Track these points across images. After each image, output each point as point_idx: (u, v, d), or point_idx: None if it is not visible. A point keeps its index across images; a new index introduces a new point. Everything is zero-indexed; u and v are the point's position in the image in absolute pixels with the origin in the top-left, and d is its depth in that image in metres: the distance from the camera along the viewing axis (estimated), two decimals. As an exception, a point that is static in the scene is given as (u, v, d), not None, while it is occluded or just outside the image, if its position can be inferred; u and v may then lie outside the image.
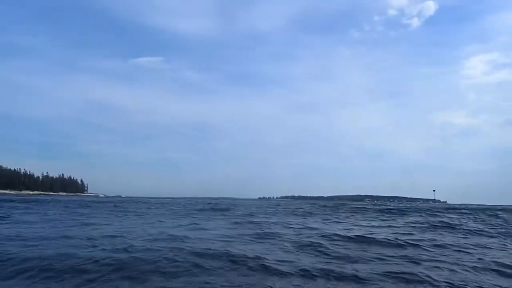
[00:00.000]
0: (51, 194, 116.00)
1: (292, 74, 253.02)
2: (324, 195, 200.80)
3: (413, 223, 16.73)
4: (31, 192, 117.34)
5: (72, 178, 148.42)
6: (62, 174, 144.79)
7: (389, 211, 27.81)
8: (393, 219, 19.45)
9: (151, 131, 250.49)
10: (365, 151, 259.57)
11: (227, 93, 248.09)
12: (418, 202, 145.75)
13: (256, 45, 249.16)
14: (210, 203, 40.61)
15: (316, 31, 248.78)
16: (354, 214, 24.46)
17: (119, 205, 33.27)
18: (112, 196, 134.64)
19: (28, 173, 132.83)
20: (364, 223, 16.65)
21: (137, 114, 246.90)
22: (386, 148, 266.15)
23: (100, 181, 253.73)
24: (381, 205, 51.74)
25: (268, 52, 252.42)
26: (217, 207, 30.36)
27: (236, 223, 14.94)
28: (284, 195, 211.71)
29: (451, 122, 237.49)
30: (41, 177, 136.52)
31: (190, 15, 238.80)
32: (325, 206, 39.06)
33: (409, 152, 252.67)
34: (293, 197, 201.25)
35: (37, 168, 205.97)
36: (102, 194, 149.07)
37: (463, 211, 29.72)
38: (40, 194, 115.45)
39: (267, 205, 41.41)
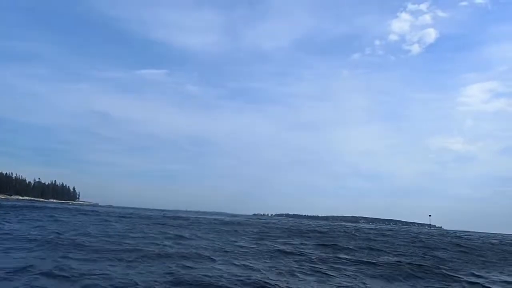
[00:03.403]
0: (41, 201, 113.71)
1: (292, 93, 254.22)
2: (319, 215, 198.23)
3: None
4: (21, 198, 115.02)
5: (65, 185, 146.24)
6: (55, 181, 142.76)
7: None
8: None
9: (150, 142, 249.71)
10: (362, 172, 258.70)
11: (228, 109, 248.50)
12: (414, 227, 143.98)
13: (259, 63, 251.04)
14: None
15: (318, 53, 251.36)
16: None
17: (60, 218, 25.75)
18: (102, 206, 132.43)
19: (20, 178, 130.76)
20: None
21: (138, 125, 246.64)
22: (383, 170, 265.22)
23: (95, 189, 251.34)
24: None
25: (270, 70, 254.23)
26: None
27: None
28: (279, 212, 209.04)
29: (448, 147, 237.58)
30: (33, 183, 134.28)
31: (196, 30, 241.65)
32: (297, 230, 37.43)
33: (406, 175, 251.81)
34: (287, 215, 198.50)
35: (32, 174, 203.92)
36: (93, 203, 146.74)
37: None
38: (31, 200, 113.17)
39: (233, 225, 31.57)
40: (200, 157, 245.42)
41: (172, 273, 7.96)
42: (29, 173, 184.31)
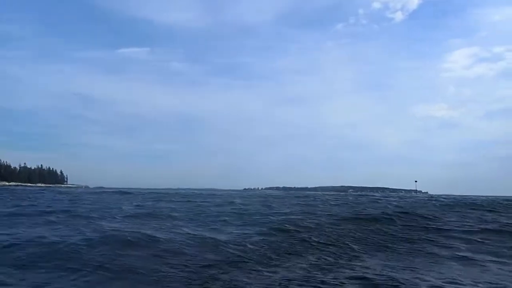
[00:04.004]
0: (28, 185, 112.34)
1: (278, 67, 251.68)
2: (309, 186, 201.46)
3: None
4: (7, 183, 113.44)
5: (52, 169, 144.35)
6: (41, 165, 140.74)
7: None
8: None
9: (137, 122, 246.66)
10: (349, 143, 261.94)
11: (214, 85, 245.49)
12: (401, 193, 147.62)
13: (244, 37, 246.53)
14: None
15: (303, 25, 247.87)
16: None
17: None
18: (92, 188, 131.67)
19: (5, 163, 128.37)
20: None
21: (123, 106, 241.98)
22: (369, 139, 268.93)
23: (83, 172, 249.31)
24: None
25: (255, 45, 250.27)
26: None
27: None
28: (269, 186, 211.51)
29: (432, 114, 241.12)
30: (18, 168, 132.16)
31: (178, 6, 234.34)
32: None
33: (392, 143, 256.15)
34: (277, 188, 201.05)
35: (17, 159, 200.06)
36: (84, 186, 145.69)
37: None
38: (18, 185, 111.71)
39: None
40: (189, 135, 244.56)
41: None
42: (14, 158, 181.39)
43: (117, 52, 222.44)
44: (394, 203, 24.19)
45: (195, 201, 23.30)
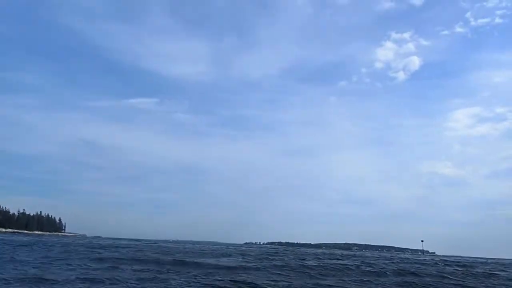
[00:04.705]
0: (25, 233, 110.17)
1: (282, 120, 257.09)
2: (312, 242, 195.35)
3: None
4: (3, 230, 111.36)
5: (50, 216, 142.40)
6: (40, 212, 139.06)
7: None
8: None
9: (140, 171, 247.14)
10: (354, 198, 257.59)
11: (219, 136, 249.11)
12: (407, 253, 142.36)
13: (249, 91, 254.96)
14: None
15: (307, 81, 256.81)
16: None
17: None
18: (91, 237, 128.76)
19: (4, 209, 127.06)
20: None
21: (127, 154, 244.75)
22: (374, 196, 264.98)
23: (82, 221, 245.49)
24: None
25: (260, 98, 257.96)
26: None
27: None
28: (271, 240, 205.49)
29: (438, 172, 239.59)
30: (17, 214, 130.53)
31: (186, 60, 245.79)
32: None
33: (397, 200, 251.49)
34: (280, 243, 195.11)
35: (16, 204, 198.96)
36: (80, 234, 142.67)
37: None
38: (14, 232, 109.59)
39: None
40: (191, 185, 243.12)
41: None
42: (14, 204, 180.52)
43: (126, 102, 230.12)
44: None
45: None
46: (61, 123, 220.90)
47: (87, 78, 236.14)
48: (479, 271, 21.25)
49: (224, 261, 21.00)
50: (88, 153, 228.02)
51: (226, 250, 40.70)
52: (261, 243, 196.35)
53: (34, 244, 33.08)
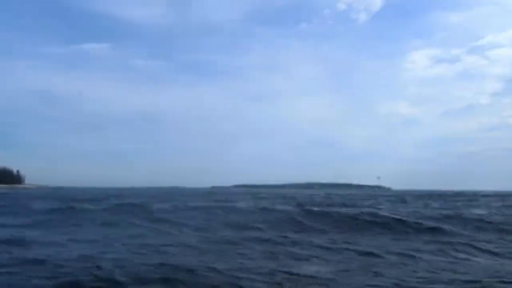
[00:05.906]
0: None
1: (243, 64, 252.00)
2: (276, 183, 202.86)
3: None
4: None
5: (6, 168, 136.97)
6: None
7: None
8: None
9: (98, 120, 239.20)
10: (316, 140, 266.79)
11: (179, 82, 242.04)
12: (364, 189, 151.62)
13: (208, 35, 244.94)
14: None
15: (268, 24, 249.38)
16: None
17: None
18: (52, 187, 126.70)
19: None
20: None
21: (83, 103, 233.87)
22: (334, 137, 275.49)
23: (43, 172, 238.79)
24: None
25: (220, 42, 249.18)
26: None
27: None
28: (237, 183, 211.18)
29: (395, 112, 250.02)
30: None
31: (141, 2, 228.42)
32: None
33: (357, 140, 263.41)
34: (245, 186, 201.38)
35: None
36: (42, 185, 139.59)
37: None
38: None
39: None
40: (153, 133, 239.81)
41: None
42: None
43: (77, 47, 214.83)
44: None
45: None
46: (7, 72, 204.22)
47: (32, 22, 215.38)
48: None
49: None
50: (41, 104, 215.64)
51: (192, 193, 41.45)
52: (228, 186, 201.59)
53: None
